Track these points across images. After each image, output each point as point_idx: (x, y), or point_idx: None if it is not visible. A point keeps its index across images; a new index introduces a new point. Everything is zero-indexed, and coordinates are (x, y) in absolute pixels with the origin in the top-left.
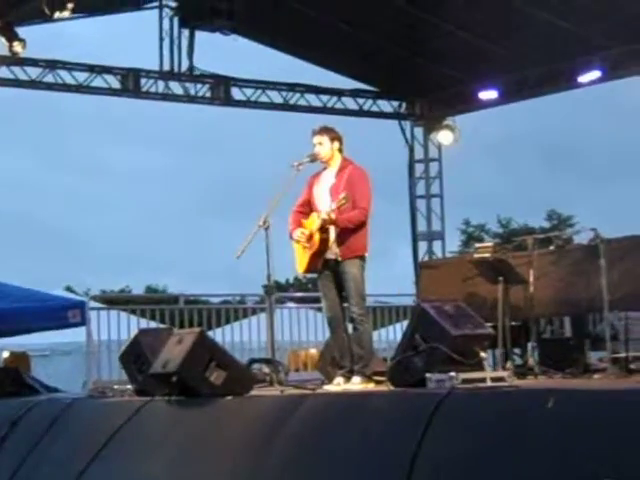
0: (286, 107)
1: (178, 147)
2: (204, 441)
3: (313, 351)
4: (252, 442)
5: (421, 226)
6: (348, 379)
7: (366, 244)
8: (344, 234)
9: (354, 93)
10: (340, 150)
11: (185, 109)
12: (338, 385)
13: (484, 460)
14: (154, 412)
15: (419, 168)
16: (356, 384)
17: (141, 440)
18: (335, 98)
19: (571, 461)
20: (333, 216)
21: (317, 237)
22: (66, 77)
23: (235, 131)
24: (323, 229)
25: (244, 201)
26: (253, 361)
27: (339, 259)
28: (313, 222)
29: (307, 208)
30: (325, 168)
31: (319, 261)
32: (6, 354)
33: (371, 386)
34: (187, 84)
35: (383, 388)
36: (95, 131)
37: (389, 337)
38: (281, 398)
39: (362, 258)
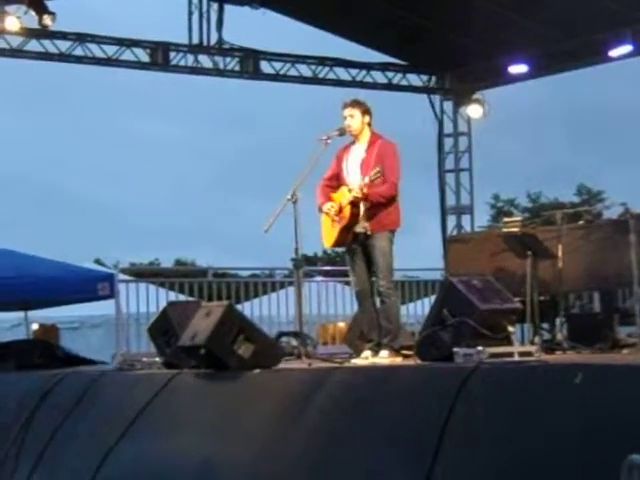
0: (315, 81)
1: (207, 119)
2: (234, 414)
3: (341, 325)
4: (281, 415)
5: (450, 200)
6: (376, 353)
7: (396, 218)
8: (374, 208)
9: (383, 67)
10: (370, 124)
11: (212, 81)
12: (366, 359)
13: (511, 434)
14: (183, 385)
15: (448, 142)
16: (384, 358)
17: (171, 414)
18: (364, 72)
19: (599, 436)
20: (365, 191)
21: (347, 210)
22: (95, 50)
23: (263, 104)
24: (354, 203)
25: (273, 174)
26: (281, 334)
27: (368, 232)
28: (343, 195)
29: (335, 182)
30: (354, 142)
31: (348, 235)
32: (35, 326)
33: (399, 360)
34: (216, 57)
35: (411, 362)
36: (123, 102)
37: (417, 311)
38: (310, 371)
39: (392, 232)
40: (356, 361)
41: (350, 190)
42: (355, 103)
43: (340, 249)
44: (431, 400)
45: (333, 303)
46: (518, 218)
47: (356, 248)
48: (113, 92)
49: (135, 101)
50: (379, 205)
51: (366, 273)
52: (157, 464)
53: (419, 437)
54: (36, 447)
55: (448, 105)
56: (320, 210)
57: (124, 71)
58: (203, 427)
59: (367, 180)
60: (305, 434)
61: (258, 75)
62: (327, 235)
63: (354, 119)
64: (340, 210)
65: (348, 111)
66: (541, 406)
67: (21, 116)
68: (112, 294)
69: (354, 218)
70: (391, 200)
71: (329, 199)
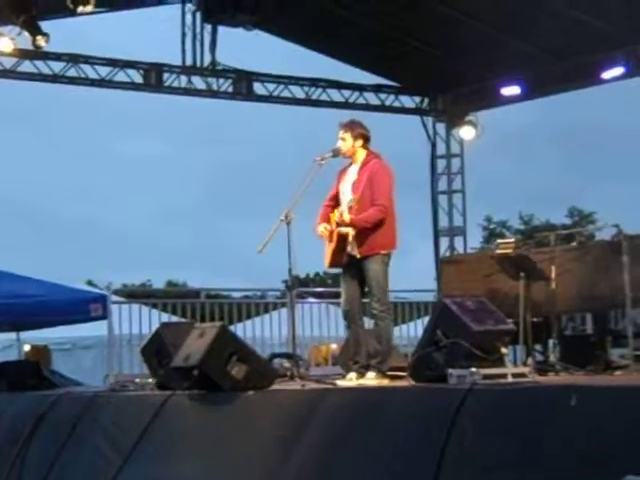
0: (308, 102)
1: (193, 137)
2: (231, 438)
3: (334, 346)
4: (279, 438)
5: (443, 222)
6: (362, 375)
7: (389, 241)
8: (363, 232)
9: (376, 88)
10: (364, 146)
11: (200, 100)
12: (350, 380)
13: (508, 455)
14: (178, 408)
15: (441, 164)
16: (370, 379)
17: (168, 439)
18: (357, 93)
19: (594, 457)
20: (347, 218)
21: (335, 234)
22: (89, 71)
23: (251, 121)
24: (340, 226)
25: (263, 193)
26: (274, 356)
27: (358, 256)
28: (335, 218)
29: (335, 202)
30: (352, 163)
31: (342, 257)
32: (27, 348)
33: (386, 382)
34: (209, 79)
35: (404, 383)
36: (109, 122)
37: (410, 333)
38: (304, 392)
39: (386, 254)
40: (341, 383)
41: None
42: (348, 126)
43: (334, 270)
44: (429, 421)
45: (326, 325)
46: (511, 240)
47: (350, 269)
48: (99, 112)
49: (121, 121)
50: (366, 229)
51: (358, 294)
52: None
53: (419, 459)
54: (36, 476)
55: (441, 127)
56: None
57: (108, 91)
58: (202, 452)
59: (345, 207)
60: (304, 456)
61: (251, 96)
62: (326, 255)
63: (345, 142)
64: (331, 233)
65: (341, 133)
66: (537, 427)
67: (8, 136)
68: (105, 315)
69: (342, 241)
70: (379, 223)
71: (327, 220)
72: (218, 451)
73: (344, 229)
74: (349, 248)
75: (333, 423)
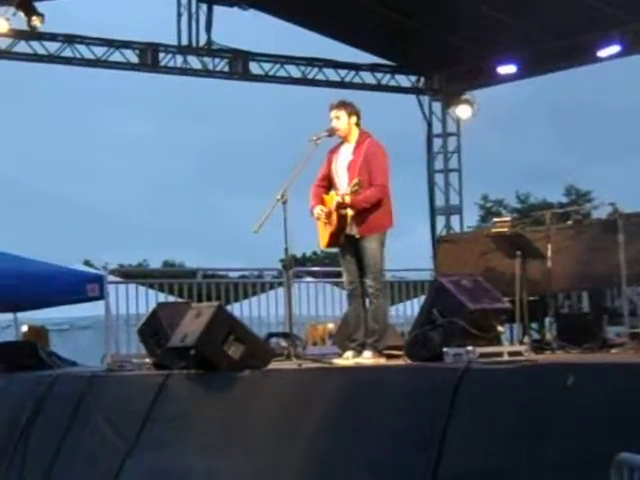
0: (304, 82)
1: (191, 118)
2: (233, 420)
3: (331, 325)
4: (277, 417)
5: (439, 201)
6: (359, 353)
7: (387, 220)
8: (362, 213)
9: (372, 68)
10: (357, 124)
11: (194, 80)
12: (347, 359)
13: (506, 434)
14: (177, 389)
15: (437, 143)
16: (367, 358)
17: (170, 422)
18: (353, 72)
19: (589, 435)
20: (347, 200)
21: (335, 216)
22: (84, 52)
23: (240, 99)
24: (340, 208)
25: (261, 174)
26: (271, 335)
27: (357, 236)
28: (332, 200)
29: (327, 182)
30: (343, 142)
31: (340, 237)
32: (25, 328)
33: (382, 361)
34: (205, 59)
35: (400, 362)
36: (107, 103)
37: (406, 312)
38: (302, 372)
39: (382, 233)
40: (337, 361)
41: (336, 196)
42: (341, 104)
43: (330, 250)
44: (427, 400)
45: (322, 304)
46: (508, 218)
47: (348, 249)
48: (93, 93)
49: (116, 100)
50: (365, 209)
51: (358, 273)
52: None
53: (421, 436)
54: (41, 462)
55: (437, 106)
56: (311, 213)
57: (101, 71)
58: (202, 434)
59: (348, 190)
60: (302, 435)
61: (247, 76)
62: (322, 236)
63: (340, 120)
64: (329, 214)
65: (334, 113)
66: (534, 405)
67: (1, 117)
68: (102, 295)
69: (342, 222)
70: (378, 203)
71: (321, 201)
72: (218, 432)
73: (343, 211)
74: (347, 229)
75: (330, 402)
